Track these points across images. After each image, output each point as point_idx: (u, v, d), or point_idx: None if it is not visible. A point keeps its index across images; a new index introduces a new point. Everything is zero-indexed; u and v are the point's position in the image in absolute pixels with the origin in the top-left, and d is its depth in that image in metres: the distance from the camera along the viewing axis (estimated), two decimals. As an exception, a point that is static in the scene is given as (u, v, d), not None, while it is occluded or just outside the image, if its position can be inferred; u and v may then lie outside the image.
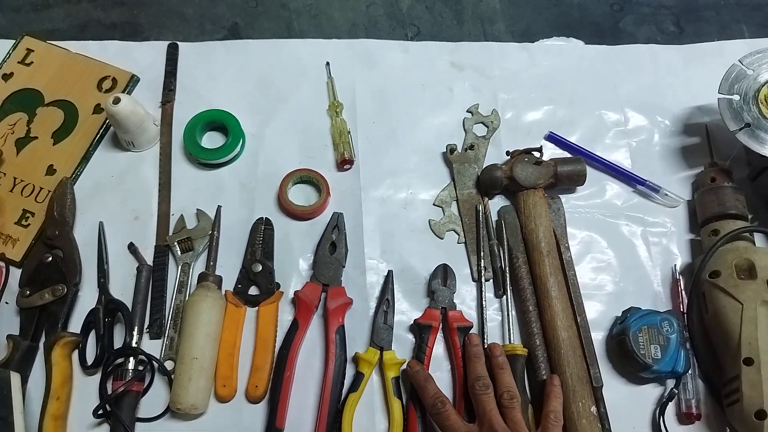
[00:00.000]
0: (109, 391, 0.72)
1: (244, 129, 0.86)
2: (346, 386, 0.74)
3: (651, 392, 0.75)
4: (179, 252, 0.80)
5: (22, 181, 0.84)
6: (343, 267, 0.80)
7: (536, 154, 0.84)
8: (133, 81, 0.90)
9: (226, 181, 0.85)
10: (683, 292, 0.78)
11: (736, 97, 0.80)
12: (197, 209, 0.82)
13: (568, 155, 0.87)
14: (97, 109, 0.87)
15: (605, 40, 0.96)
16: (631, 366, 0.74)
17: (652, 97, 0.91)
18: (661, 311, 0.75)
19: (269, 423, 0.72)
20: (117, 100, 0.79)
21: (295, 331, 0.75)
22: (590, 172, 0.84)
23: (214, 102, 0.88)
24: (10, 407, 0.68)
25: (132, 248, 0.80)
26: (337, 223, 0.81)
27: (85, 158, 0.85)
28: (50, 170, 0.84)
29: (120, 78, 0.89)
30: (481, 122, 0.89)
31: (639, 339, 0.72)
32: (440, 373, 0.76)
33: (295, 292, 0.77)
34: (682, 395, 0.73)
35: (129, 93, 0.89)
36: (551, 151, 0.88)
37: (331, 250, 0.80)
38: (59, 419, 0.71)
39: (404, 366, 0.75)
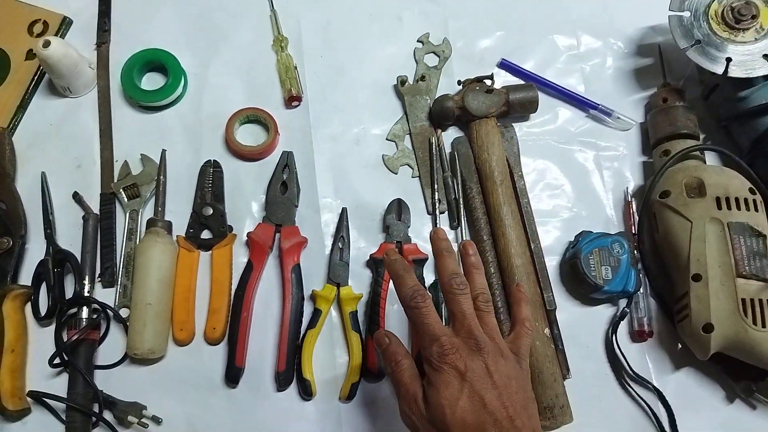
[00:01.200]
0: (65, 341, 0.72)
1: (185, 68, 0.83)
2: (305, 324, 0.75)
3: (604, 312, 0.76)
4: (126, 199, 0.78)
5: (-44, 134, 0.80)
6: (296, 206, 0.79)
7: (488, 82, 0.82)
8: (65, 23, 0.85)
9: (169, 123, 0.82)
10: (635, 214, 0.79)
11: (687, 14, 0.78)
12: (141, 154, 0.80)
13: (521, 82, 0.85)
14: (30, 54, 0.83)
15: (557, -40, 0.93)
16: (583, 288, 0.75)
17: (604, 18, 0.89)
18: (612, 233, 0.76)
19: (229, 363, 0.72)
20: (47, 44, 0.75)
21: (249, 272, 0.75)
22: (543, 98, 0.83)
23: (152, 41, 0.84)
24: (-38, 362, 0.67)
25: (77, 197, 0.78)
26: (287, 162, 0.80)
27: (22, 107, 0.82)
28: (-14, 121, 0.81)
29: (51, 21, 0.85)
30: (432, 52, 0.87)
31: (590, 261, 0.73)
32: (398, 305, 0.76)
33: (248, 234, 0.76)
34: (634, 314, 0.75)
35: (62, 36, 0.85)
36: (503, 79, 0.86)
37: (283, 189, 0.79)
38: (16, 371, 0.71)
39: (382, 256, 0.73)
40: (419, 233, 0.79)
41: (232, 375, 0.72)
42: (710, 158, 0.80)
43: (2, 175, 0.77)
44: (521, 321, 0.63)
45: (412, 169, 0.82)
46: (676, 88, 0.82)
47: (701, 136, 0.80)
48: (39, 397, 0.71)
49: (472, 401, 0.54)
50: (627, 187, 0.81)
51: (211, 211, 0.78)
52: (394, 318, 0.76)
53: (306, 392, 0.72)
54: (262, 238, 0.76)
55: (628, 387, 0.74)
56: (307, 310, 0.76)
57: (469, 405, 0.54)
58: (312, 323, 0.74)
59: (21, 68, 0.83)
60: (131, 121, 0.82)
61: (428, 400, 0.56)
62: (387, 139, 0.84)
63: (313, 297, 0.76)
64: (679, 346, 0.75)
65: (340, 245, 0.78)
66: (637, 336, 0.75)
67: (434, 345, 0.56)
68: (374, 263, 0.77)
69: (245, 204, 0.80)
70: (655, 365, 0.75)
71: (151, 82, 0.84)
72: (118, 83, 0.82)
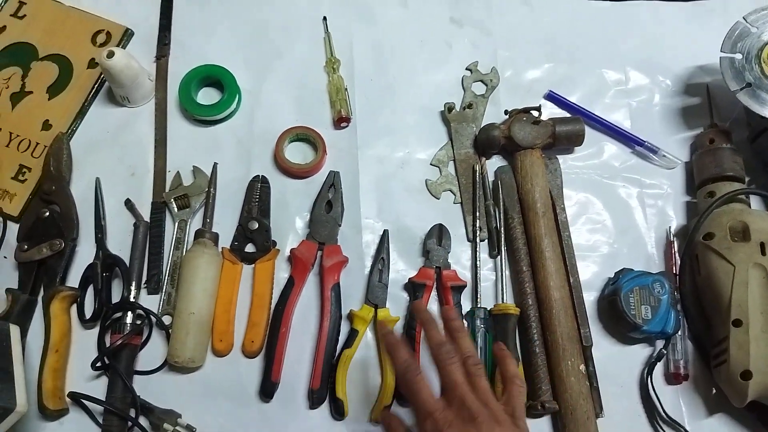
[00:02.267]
0: (108, 345, 0.74)
1: (239, 85, 0.85)
2: (341, 343, 0.76)
3: (640, 352, 0.76)
4: (176, 209, 0.80)
5: (18, 136, 0.83)
6: (339, 226, 0.80)
7: (534, 113, 0.83)
8: (127, 35, 0.88)
9: (222, 137, 0.84)
10: (677, 254, 0.79)
11: (739, 56, 0.79)
12: (194, 166, 0.82)
13: (568, 115, 0.86)
14: (92, 63, 0.86)
15: (609, -5, 0.94)
16: (621, 326, 0.75)
17: (654, 55, 0.90)
18: (654, 273, 0.75)
19: (265, 377, 0.73)
20: (111, 54, 0.78)
21: (290, 288, 0.76)
22: (589, 132, 0.83)
23: (210, 56, 0.87)
24: (10, 358, 0.69)
25: (129, 204, 0.80)
26: (333, 181, 0.81)
27: (81, 113, 0.85)
28: (46, 125, 0.84)
29: (114, 32, 0.88)
30: (480, 80, 0.88)
31: (630, 299, 0.73)
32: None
33: (291, 250, 0.78)
34: (671, 356, 0.75)
35: (123, 47, 0.87)
36: (550, 111, 0.87)
37: (327, 208, 0.80)
38: (58, 371, 0.73)
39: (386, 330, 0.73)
40: (459, 259, 0.80)
41: (267, 389, 0.73)
42: (755, 202, 0.80)
43: (58, 179, 0.80)
44: (511, 379, 0.62)
45: (455, 195, 0.83)
46: (724, 129, 0.82)
47: (746, 179, 0.80)
48: (78, 399, 0.72)
49: None
50: (670, 227, 0.81)
51: (257, 226, 0.79)
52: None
53: (338, 412, 0.73)
54: (305, 255, 0.77)
55: (661, 430, 0.73)
56: (344, 329, 0.77)
57: None
58: (348, 343, 0.75)
59: (83, 76, 0.86)
60: (185, 133, 0.85)
61: None
62: (431, 164, 0.85)
63: (351, 317, 0.77)
64: (714, 391, 0.74)
65: (379, 267, 0.79)
66: (672, 378, 0.75)
67: (428, 420, 0.56)
68: (413, 287, 0.77)
69: (290, 220, 0.81)
70: (689, 409, 0.74)
71: (207, 96, 0.86)
72: (175, 96, 0.85)
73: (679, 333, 0.75)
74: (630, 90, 0.88)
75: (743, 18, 0.80)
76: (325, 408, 0.74)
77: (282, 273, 0.79)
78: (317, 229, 0.79)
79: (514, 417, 0.58)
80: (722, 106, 0.85)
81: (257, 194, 0.81)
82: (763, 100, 0.77)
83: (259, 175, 0.82)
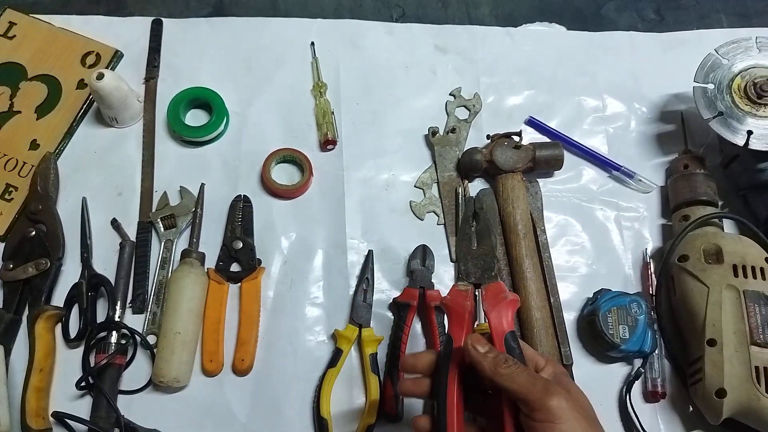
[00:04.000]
0: (92, 364, 0.74)
1: (228, 107, 0.86)
2: (325, 362, 0.76)
3: (619, 371, 0.78)
4: (162, 228, 0.80)
5: (5, 155, 0.84)
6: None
7: (516, 138, 0.85)
8: (116, 57, 0.89)
9: (209, 159, 0.86)
10: (653, 275, 0.81)
11: (711, 86, 0.82)
12: (180, 186, 0.83)
13: (547, 140, 0.88)
14: (81, 84, 0.87)
15: (587, 26, 0.97)
16: (600, 345, 0.77)
17: (630, 84, 0.93)
18: (631, 293, 0.78)
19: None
20: (101, 76, 0.79)
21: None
22: (568, 156, 0.86)
23: (198, 79, 0.88)
24: (-6, 378, 0.69)
25: (115, 224, 0.81)
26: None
27: (69, 133, 0.85)
28: (33, 145, 0.84)
29: (104, 53, 0.89)
30: (464, 105, 0.90)
31: (608, 319, 0.75)
32: (417, 350, 0.78)
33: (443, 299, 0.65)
34: (648, 374, 0.76)
35: (113, 69, 0.88)
36: (531, 136, 0.89)
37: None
38: (42, 391, 0.72)
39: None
40: (442, 279, 0.82)
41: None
42: (728, 226, 0.83)
43: (45, 198, 0.80)
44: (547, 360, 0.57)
45: (438, 216, 0.85)
46: (697, 155, 0.85)
47: (719, 203, 0.83)
48: (62, 418, 0.71)
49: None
50: (646, 248, 0.83)
51: (241, 245, 0.80)
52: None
53: (323, 431, 0.73)
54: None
55: (640, 447, 0.75)
56: (328, 348, 0.78)
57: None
58: (332, 362, 0.76)
59: (71, 96, 0.87)
60: (173, 154, 0.86)
61: None
62: (415, 186, 0.86)
63: (335, 336, 0.77)
64: (691, 408, 0.76)
65: (364, 287, 0.80)
66: (650, 396, 0.76)
67: (554, 394, 0.50)
68: (397, 307, 0.79)
69: (276, 240, 0.82)
70: (667, 426, 0.76)
71: (195, 118, 0.88)
72: (163, 117, 0.86)
73: (656, 352, 0.76)
74: (607, 117, 0.91)
75: (715, 50, 0.84)
76: (309, 427, 0.74)
77: (268, 291, 0.80)
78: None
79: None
80: (696, 133, 0.89)
81: (240, 214, 0.82)
82: (734, 128, 0.80)
83: (240, 195, 0.83)
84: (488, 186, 0.86)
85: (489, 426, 0.58)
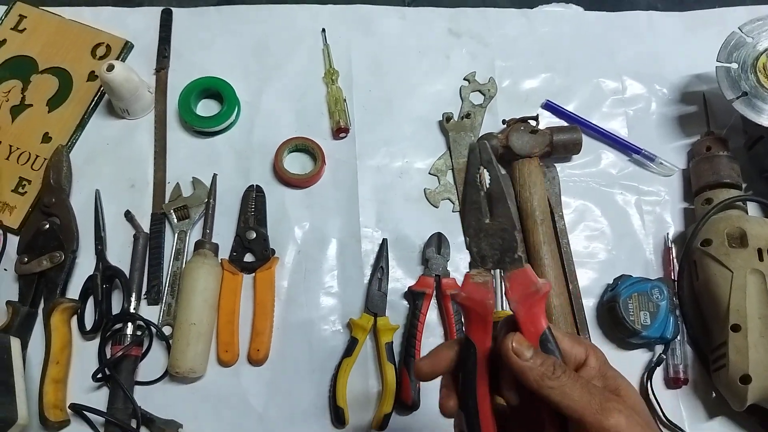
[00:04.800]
0: (108, 356, 0.74)
1: (239, 96, 0.86)
2: (341, 352, 0.76)
3: (640, 357, 0.76)
4: (175, 220, 0.80)
5: (18, 148, 0.84)
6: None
7: (532, 122, 0.83)
8: (127, 48, 0.89)
9: (221, 149, 0.85)
10: (675, 260, 0.79)
11: (734, 66, 0.79)
12: (193, 177, 0.82)
13: (565, 124, 0.86)
14: (92, 76, 0.87)
15: (605, 5, 0.94)
16: (620, 332, 0.75)
17: (650, 65, 0.90)
18: (652, 279, 0.76)
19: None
20: (111, 67, 0.78)
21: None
22: (586, 140, 0.84)
23: (209, 69, 0.87)
24: (11, 371, 0.69)
25: (129, 216, 0.81)
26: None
27: (81, 126, 0.85)
28: (46, 138, 0.84)
29: (114, 45, 0.88)
30: (478, 90, 0.89)
31: (629, 306, 0.73)
32: (433, 338, 0.77)
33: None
34: (670, 360, 0.75)
35: (123, 60, 0.88)
36: (548, 120, 0.87)
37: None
38: (59, 383, 0.73)
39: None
40: (458, 267, 0.80)
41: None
42: (752, 209, 0.80)
43: (58, 191, 0.80)
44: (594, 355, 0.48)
45: (453, 203, 0.84)
46: (720, 137, 0.82)
47: (743, 186, 0.81)
48: (80, 410, 0.72)
49: None
50: (667, 233, 0.81)
51: (254, 235, 0.80)
52: (430, 350, 0.76)
53: (339, 420, 0.73)
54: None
55: (662, 434, 0.73)
56: (344, 338, 0.77)
57: None
58: (348, 351, 0.75)
59: (82, 88, 0.86)
60: (185, 144, 0.85)
61: None
62: (430, 173, 0.85)
63: (350, 326, 0.77)
64: (714, 395, 0.75)
65: (379, 276, 0.79)
66: (672, 383, 0.75)
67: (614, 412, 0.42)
68: (412, 295, 0.78)
69: (289, 230, 0.81)
70: (689, 413, 0.74)
71: (207, 108, 0.87)
72: (174, 108, 0.86)
73: (678, 338, 0.75)
74: (627, 99, 0.89)
75: (738, 28, 0.81)
76: (326, 416, 0.74)
77: (282, 281, 0.79)
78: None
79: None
80: (719, 114, 0.86)
81: (252, 204, 0.81)
82: (758, 108, 0.77)
83: (253, 185, 0.82)
84: (505, 172, 0.85)
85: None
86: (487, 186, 0.49)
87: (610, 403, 0.43)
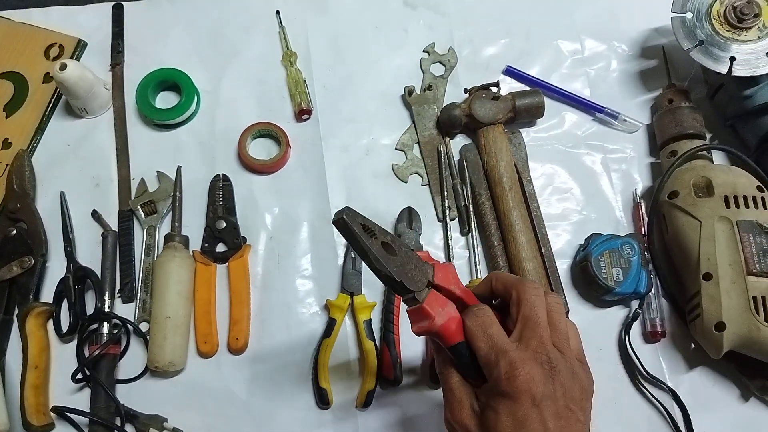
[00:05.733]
0: (87, 356, 0.73)
1: (197, 86, 0.85)
2: (320, 333, 0.76)
3: (616, 314, 0.77)
4: (143, 215, 0.80)
5: (-22, 156, 0.83)
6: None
7: (494, 89, 0.83)
8: (80, 46, 0.88)
9: (184, 140, 0.84)
10: (644, 216, 0.79)
11: (689, 15, 0.79)
12: (158, 171, 0.82)
13: (527, 88, 0.86)
14: (47, 78, 0.86)
15: (560, -36, 0.94)
16: (594, 290, 0.76)
17: (608, 22, 0.90)
18: (622, 235, 0.76)
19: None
20: (63, 67, 0.77)
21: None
22: (549, 103, 0.84)
23: (165, 60, 0.86)
24: (-12, 379, 0.69)
25: (95, 215, 0.80)
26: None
27: (40, 129, 0.84)
28: (6, 144, 0.83)
29: (67, 44, 0.87)
30: (439, 61, 0.88)
31: (601, 263, 0.74)
32: (411, 312, 0.77)
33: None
34: (647, 315, 0.75)
35: (78, 59, 0.87)
36: (509, 85, 0.87)
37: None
38: (39, 387, 0.73)
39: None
40: (431, 240, 0.81)
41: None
42: (717, 157, 0.81)
43: (22, 196, 0.79)
44: (556, 310, 0.52)
45: (422, 177, 0.83)
46: (682, 88, 0.82)
47: (708, 136, 0.81)
48: (62, 412, 0.72)
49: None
50: (635, 189, 0.82)
51: (224, 225, 0.79)
52: (408, 324, 0.76)
53: (323, 401, 0.73)
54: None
55: (643, 388, 0.74)
56: (322, 319, 0.77)
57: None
58: (327, 332, 0.75)
59: (38, 91, 0.85)
60: (146, 139, 0.84)
61: (484, 422, 0.48)
62: (396, 148, 0.85)
63: (327, 306, 0.77)
64: (692, 345, 0.75)
65: (352, 255, 0.79)
66: (650, 337, 0.75)
67: (502, 361, 0.48)
68: (387, 271, 0.78)
69: (259, 217, 0.81)
70: (669, 365, 0.75)
71: (165, 100, 0.86)
72: (133, 103, 0.85)
73: (653, 292, 0.75)
74: (587, 58, 0.89)
75: (690, -24, 0.81)
76: (310, 398, 0.74)
77: (256, 268, 0.79)
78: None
79: (584, 362, 0.52)
80: (679, 67, 0.86)
81: (220, 193, 0.80)
82: (716, 56, 0.77)
83: (219, 174, 0.81)
84: (470, 141, 0.85)
85: None
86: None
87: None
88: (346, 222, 0.49)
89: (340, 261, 0.79)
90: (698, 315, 0.71)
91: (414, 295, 0.51)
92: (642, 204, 0.80)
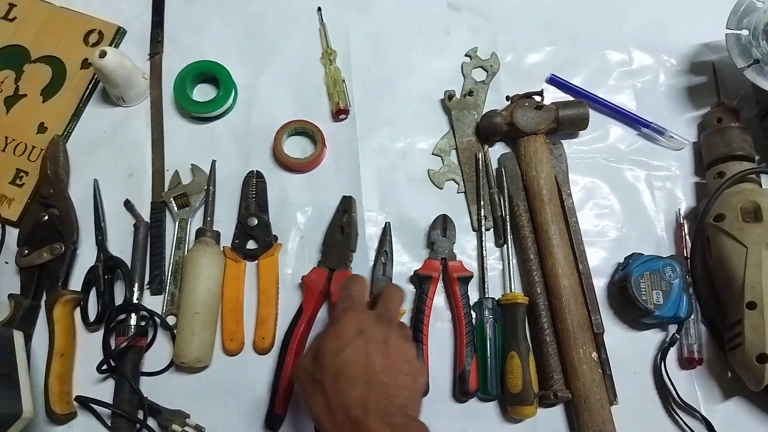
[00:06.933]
0: (113, 347, 0.73)
1: (235, 80, 0.84)
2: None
3: (653, 338, 0.75)
4: (176, 208, 0.79)
5: (13, 140, 0.82)
6: (352, 251, 0.77)
7: (537, 98, 0.81)
8: (119, 33, 0.87)
9: (219, 134, 0.83)
10: (687, 237, 0.77)
11: (745, 32, 0.76)
12: (192, 164, 0.81)
13: (571, 98, 0.84)
14: (85, 64, 0.85)
15: (610, -26, 0.91)
16: (632, 312, 0.73)
17: (657, 34, 0.87)
18: (664, 257, 0.74)
19: (269, 409, 0.71)
20: (103, 54, 0.77)
21: (299, 316, 0.74)
22: (593, 115, 0.82)
23: (204, 52, 0.85)
24: (15, 365, 0.68)
25: (128, 205, 0.79)
26: (345, 207, 0.78)
27: (76, 115, 0.84)
28: (41, 128, 0.83)
29: (106, 31, 0.87)
30: (480, 66, 0.86)
31: (641, 285, 0.72)
32: (441, 323, 0.76)
33: (302, 277, 0.75)
34: (684, 340, 0.73)
35: (116, 46, 0.86)
36: (553, 95, 0.85)
37: (339, 233, 0.77)
38: (64, 376, 0.72)
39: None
40: (464, 250, 0.79)
41: (272, 422, 0.71)
42: (766, 181, 0.78)
43: (56, 182, 0.79)
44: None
45: (458, 184, 0.82)
46: (731, 108, 0.80)
47: (756, 158, 0.78)
48: (86, 402, 0.72)
49: (357, 355, 0.54)
50: (679, 209, 0.79)
51: (256, 222, 0.78)
52: (437, 335, 0.75)
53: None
54: (314, 282, 0.75)
55: (676, 415, 0.72)
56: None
57: (353, 357, 0.54)
58: (355, 337, 0.74)
59: (76, 77, 0.85)
60: (182, 131, 0.84)
61: (318, 349, 0.56)
62: (433, 153, 0.83)
63: (357, 311, 0.75)
64: (730, 374, 0.73)
65: (383, 260, 0.77)
66: (686, 363, 0.73)
67: (346, 300, 0.60)
68: (418, 279, 0.76)
69: (291, 215, 0.80)
70: (704, 393, 0.73)
71: (203, 93, 0.85)
72: (170, 94, 0.84)
73: (692, 317, 0.73)
74: (634, 71, 0.86)
75: (749, -7, 0.78)
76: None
77: (286, 268, 0.78)
78: (328, 254, 0.77)
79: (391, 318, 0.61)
80: (729, 84, 0.83)
81: (253, 190, 0.79)
82: (771, 76, 0.75)
83: (253, 171, 0.80)
84: (510, 150, 0.83)
85: None
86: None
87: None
88: None
89: (371, 265, 0.78)
90: (739, 344, 0.68)
91: None
92: (685, 225, 0.78)
